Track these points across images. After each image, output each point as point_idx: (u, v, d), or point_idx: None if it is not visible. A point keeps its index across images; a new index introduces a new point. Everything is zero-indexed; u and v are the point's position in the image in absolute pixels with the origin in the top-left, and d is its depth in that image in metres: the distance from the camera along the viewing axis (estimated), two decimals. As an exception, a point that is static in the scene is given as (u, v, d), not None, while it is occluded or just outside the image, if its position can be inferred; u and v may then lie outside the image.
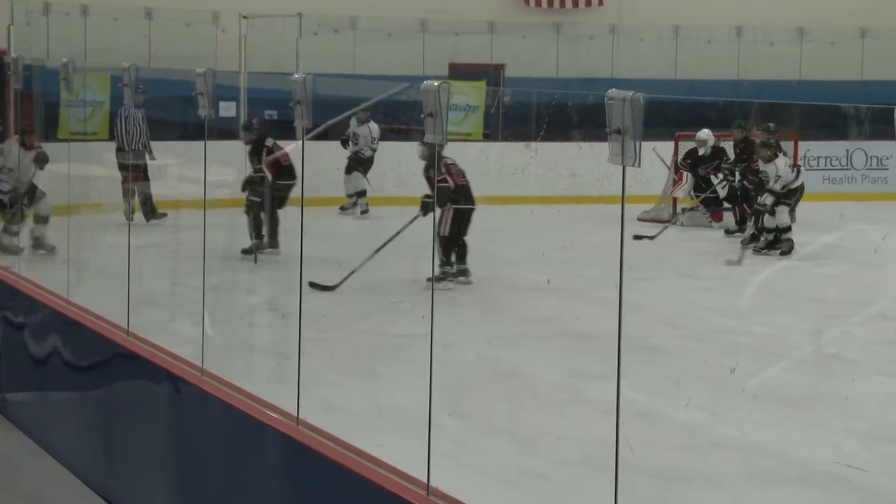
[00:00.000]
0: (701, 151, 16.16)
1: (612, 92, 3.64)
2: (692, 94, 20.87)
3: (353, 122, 15.93)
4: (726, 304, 8.51)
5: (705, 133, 16.27)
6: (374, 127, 15.94)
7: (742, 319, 9.45)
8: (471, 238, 11.82)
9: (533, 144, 17.42)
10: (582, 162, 15.98)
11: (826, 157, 17.92)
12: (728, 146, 16.12)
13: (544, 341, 9.43)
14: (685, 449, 6.67)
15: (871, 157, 14.97)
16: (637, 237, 14.02)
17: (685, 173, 16.40)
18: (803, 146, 16.98)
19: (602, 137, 3.72)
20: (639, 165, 3.59)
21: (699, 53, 21.72)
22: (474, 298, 10.86)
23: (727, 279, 10.97)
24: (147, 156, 14.77)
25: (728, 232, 15.03)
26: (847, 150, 17.87)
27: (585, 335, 9.23)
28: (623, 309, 3.93)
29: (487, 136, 19.08)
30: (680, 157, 16.49)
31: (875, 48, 22.40)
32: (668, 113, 16.97)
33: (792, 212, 13.93)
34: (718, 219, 16.05)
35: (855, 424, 7.10)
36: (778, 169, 13.86)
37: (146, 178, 14.40)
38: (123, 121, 14.54)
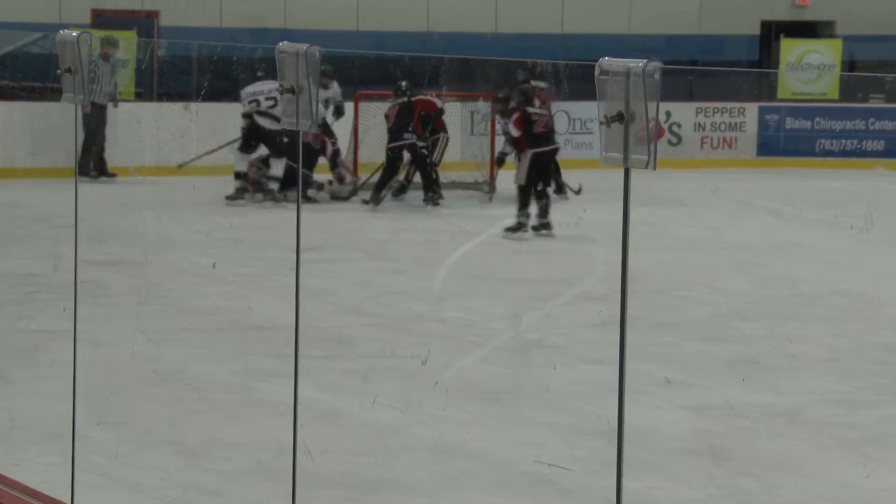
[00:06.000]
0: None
1: (284, 45, 3.62)
2: (377, 48, 20.33)
3: None
4: (418, 287, 8.35)
5: None
6: None
7: (435, 304, 9.48)
8: (126, 218, 11.48)
9: (193, 105, 16.53)
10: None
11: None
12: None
13: (211, 335, 9.05)
14: (373, 453, 6.49)
15: (574, 120, 14.82)
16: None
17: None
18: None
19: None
20: (317, 129, 3.78)
21: (384, 1, 20.96)
22: (128, 287, 10.37)
23: (420, 260, 10.88)
24: None
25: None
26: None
27: (258, 326, 8.98)
28: (301, 296, 3.89)
29: (140, 96, 18.00)
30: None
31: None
32: (350, 69, 16.56)
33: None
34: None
35: (558, 418, 7.13)
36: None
37: None
38: None
